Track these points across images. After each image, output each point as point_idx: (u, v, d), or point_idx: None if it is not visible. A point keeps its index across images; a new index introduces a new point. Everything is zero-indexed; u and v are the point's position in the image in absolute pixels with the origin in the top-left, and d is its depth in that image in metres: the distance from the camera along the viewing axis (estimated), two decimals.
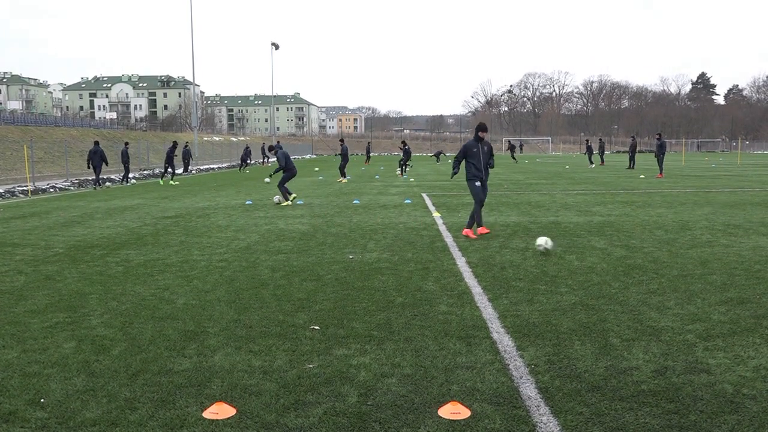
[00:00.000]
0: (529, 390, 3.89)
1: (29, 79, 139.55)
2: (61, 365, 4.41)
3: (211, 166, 43.76)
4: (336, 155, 31.67)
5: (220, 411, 3.59)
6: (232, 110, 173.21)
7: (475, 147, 10.02)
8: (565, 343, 4.74)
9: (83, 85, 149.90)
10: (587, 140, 45.28)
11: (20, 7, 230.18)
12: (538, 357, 4.47)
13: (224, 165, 47.81)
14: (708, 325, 5.15)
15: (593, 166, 38.58)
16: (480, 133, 10.00)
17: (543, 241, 8.52)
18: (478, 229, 10.29)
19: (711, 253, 8.30)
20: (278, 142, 29.05)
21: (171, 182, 26.59)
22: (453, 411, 3.56)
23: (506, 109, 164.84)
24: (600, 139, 47.40)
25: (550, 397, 3.78)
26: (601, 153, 43.63)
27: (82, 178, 27.82)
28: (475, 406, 3.68)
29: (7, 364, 4.47)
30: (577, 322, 5.26)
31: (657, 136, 29.03)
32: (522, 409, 3.63)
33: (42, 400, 3.83)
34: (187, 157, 33.24)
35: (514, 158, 55.32)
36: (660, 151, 27.76)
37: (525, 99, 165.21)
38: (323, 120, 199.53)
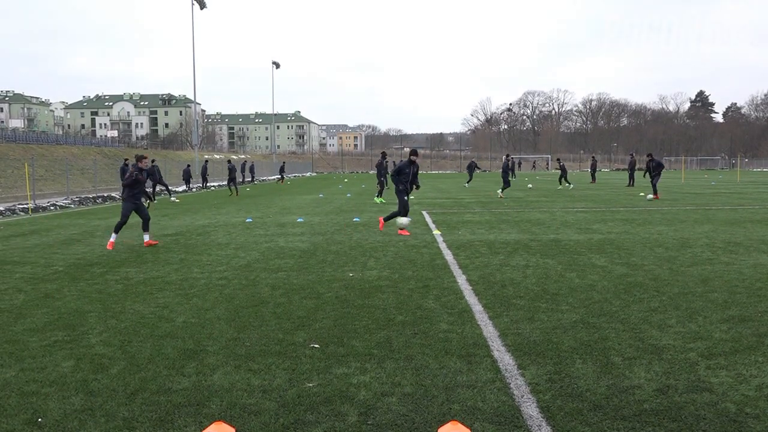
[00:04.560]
0: (530, 409, 3.87)
1: (31, 97, 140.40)
2: (60, 384, 4.39)
3: (211, 184, 43.90)
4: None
5: (219, 431, 3.55)
6: (232, 128, 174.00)
7: (408, 168, 12.82)
8: (566, 362, 4.71)
9: (85, 104, 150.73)
10: (558, 159, 40.41)
11: (22, 26, 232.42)
12: (540, 376, 4.44)
13: (225, 183, 47.87)
14: (710, 343, 5.13)
15: (570, 186, 35.10)
16: (412, 157, 12.91)
17: None
18: (399, 230, 12.95)
19: (712, 271, 8.28)
20: (153, 160, 29.04)
21: (379, 199, 24.36)
22: (453, 431, 3.53)
23: (506, 127, 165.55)
24: (593, 157, 47.65)
25: (552, 417, 3.76)
26: (593, 171, 43.75)
27: (83, 196, 27.87)
28: (476, 425, 3.65)
29: (4, 382, 4.44)
30: (579, 341, 5.24)
31: (649, 156, 25.82)
32: (523, 429, 3.60)
33: (40, 420, 3.80)
34: (204, 173, 34.05)
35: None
36: (656, 171, 24.75)
37: (524, 117, 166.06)
38: (324, 138, 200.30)
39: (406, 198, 13.03)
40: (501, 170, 27.47)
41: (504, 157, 28.63)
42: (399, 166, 13.10)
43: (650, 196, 23.81)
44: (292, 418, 3.78)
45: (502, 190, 26.47)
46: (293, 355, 4.98)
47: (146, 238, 11.71)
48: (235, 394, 4.16)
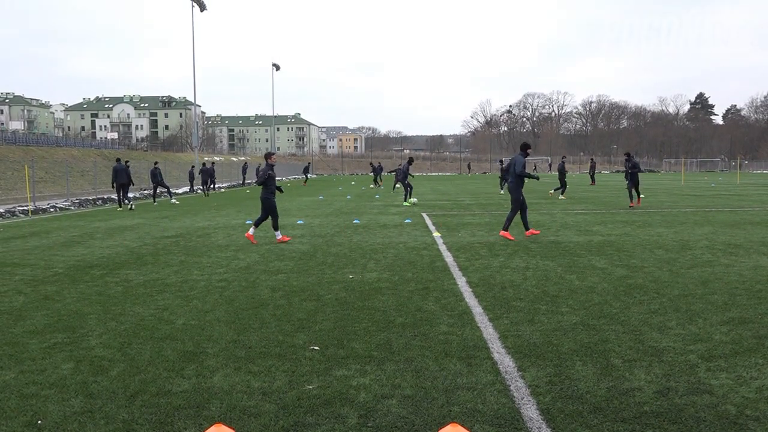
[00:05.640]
0: (530, 411, 3.86)
1: (31, 99, 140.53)
2: (59, 386, 4.38)
3: (218, 186, 43.90)
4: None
5: None
6: (232, 130, 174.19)
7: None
8: (566, 364, 4.71)
9: (85, 106, 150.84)
10: (500, 160, 36.72)
11: (22, 28, 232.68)
12: (540, 378, 4.44)
13: (224, 185, 47.88)
14: (710, 345, 5.13)
15: (501, 192, 31.84)
16: (529, 150, 12.25)
17: None
18: (527, 231, 12.52)
19: (712, 273, 8.28)
20: (156, 162, 29.56)
21: (409, 202, 23.90)
22: None
23: (506, 129, 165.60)
24: (591, 159, 48.30)
25: (552, 419, 3.75)
26: (592, 173, 44.12)
27: (83, 198, 27.87)
28: (476, 427, 3.65)
29: (4, 385, 4.44)
30: (578, 343, 5.24)
31: (626, 156, 21.62)
32: (523, 431, 3.60)
33: (39, 422, 3.79)
34: (207, 176, 34.11)
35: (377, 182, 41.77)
36: (632, 172, 20.71)
37: (524, 119, 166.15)
38: (323, 140, 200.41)
39: (522, 197, 12.14)
40: (558, 172, 27.43)
41: (561, 158, 28.59)
42: (516, 160, 11.95)
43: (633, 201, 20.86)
44: (292, 420, 3.78)
45: (563, 192, 26.37)
46: (293, 357, 4.98)
47: (278, 235, 12.42)
48: (235, 397, 4.16)
